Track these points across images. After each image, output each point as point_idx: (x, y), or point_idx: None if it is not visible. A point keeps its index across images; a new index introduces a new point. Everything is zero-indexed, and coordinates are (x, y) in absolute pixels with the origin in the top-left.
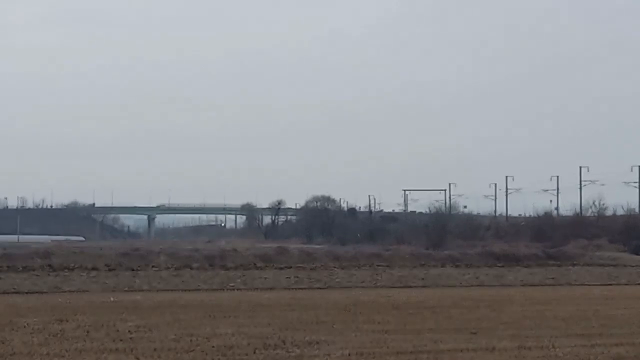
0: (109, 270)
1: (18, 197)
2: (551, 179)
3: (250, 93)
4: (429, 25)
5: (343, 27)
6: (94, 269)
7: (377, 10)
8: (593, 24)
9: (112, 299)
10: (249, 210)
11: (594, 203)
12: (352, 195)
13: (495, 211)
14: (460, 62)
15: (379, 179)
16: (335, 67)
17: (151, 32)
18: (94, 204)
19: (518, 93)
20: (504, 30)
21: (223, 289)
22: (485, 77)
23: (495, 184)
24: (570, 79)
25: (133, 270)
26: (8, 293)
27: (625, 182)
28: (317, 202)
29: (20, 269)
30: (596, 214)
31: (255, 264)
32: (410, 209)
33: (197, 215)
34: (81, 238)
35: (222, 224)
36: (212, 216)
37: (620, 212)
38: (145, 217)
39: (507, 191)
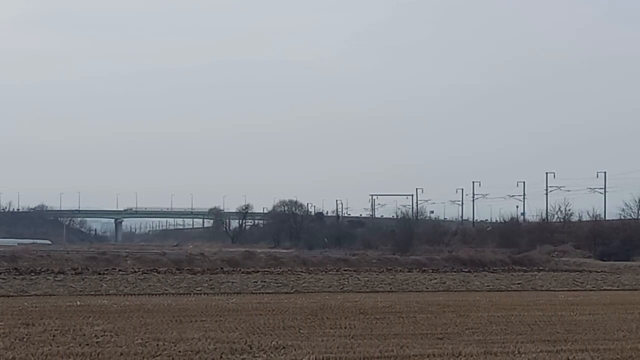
0: (76, 274)
1: None
2: (517, 185)
3: (219, 101)
4: (396, 41)
5: (315, 41)
6: (60, 272)
7: (352, 27)
8: (566, 39)
9: (78, 302)
10: (216, 214)
11: (559, 209)
12: (320, 200)
13: (461, 216)
14: (428, 72)
15: (346, 183)
16: (303, 76)
17: (140, 39)
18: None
19: (485, 101)
20: (471, 43)
21: (190, 294)
22: (452, 85)
23: (462, 190)
24: (537, 87)
25: (100, 274)
26: None
27: (590, 188)
28: (284, 207)
29: None
30: (562, 220)
31: (222, 269)
32: (377, 214)
33: (164, 219)
34: (48, 242)
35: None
36: (179, 220)
37: (586, 218)
38: (112, 220)
39: (473, 197)
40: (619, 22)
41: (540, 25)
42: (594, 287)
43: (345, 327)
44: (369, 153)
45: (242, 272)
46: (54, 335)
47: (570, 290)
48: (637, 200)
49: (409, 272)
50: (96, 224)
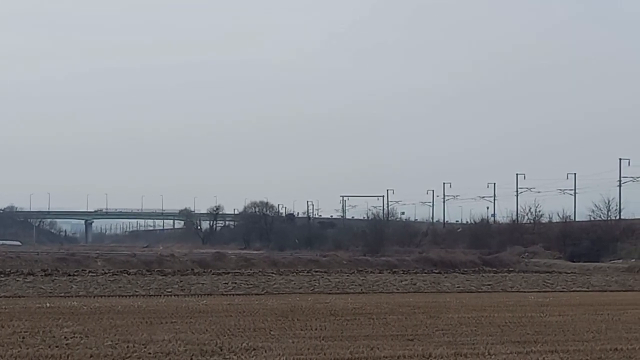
0: (46, 275)
1: None
2: (488, 186)
3: (190, 101)
4: (367, 42)
5: (287, 41)
6: (30, 274)
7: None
8: (535, 41)
9: (48, 304)
10: (187, 215)
11: (530, 210)
12: (290, 201)
13: (432, 217)
14: (398, 73)
15: (317, 184)
16: (274, 75)
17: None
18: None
19: (455, 102)
20: (441, 44)
21: (160, 295)
22: (423, 86)
23: (433, 191)
24: (507, 88)
25: (70, 275)
26: None
27: (560, 190)
28: (255, 208)
29: None
30: (532, 221)
31: (192, 270)
32: (348, 215)
33: (135, 220)
34: (17, 243)
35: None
36: (150, 221)
37: (556, 219)
38: (83, 221)
39: (444, 198)
40: (589, 23)
41: (509, 26)
42: (563, 288)
43: (316, 329)
44: (340, 154)
45: (213, 274)
46: (23, 337)
47: (540, 292)
48: (607, 202)
49: (380, 273)
50: (66, 225)
